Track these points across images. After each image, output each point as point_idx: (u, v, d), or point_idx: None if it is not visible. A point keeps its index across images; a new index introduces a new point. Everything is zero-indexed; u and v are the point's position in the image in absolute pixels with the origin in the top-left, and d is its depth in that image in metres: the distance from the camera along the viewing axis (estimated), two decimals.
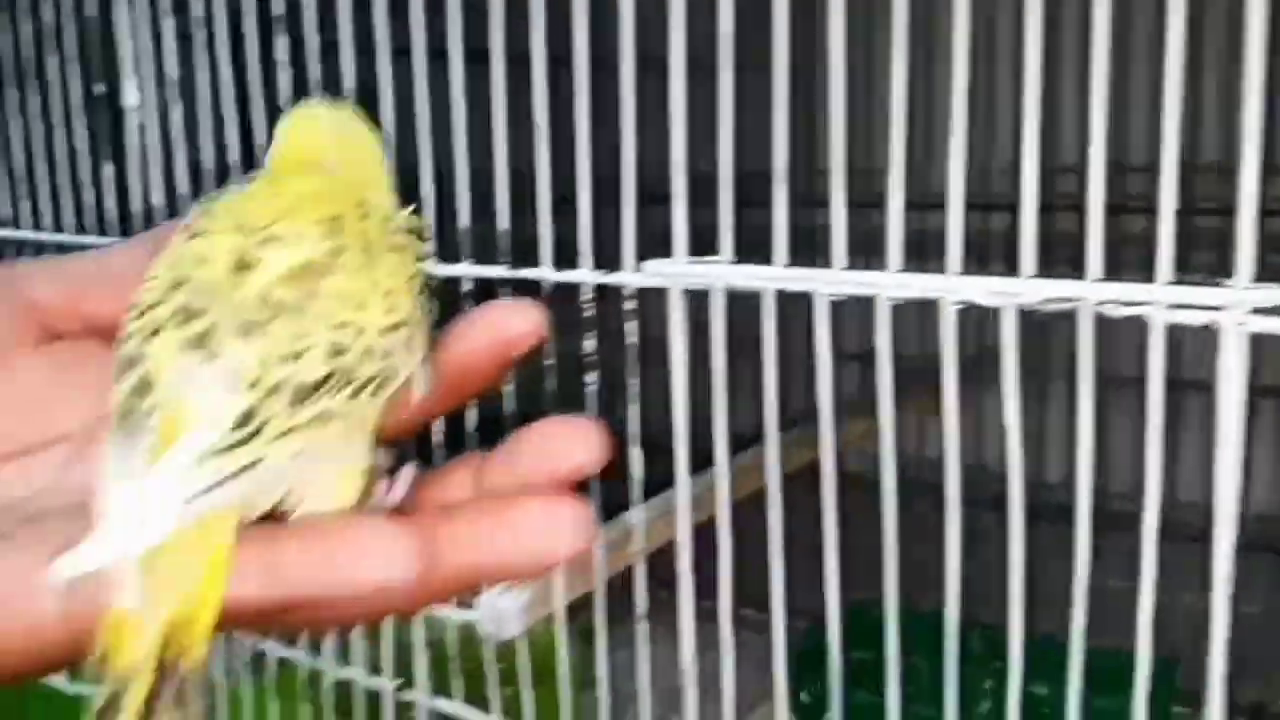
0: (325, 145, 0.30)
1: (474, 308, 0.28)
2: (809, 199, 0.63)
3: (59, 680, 0.77)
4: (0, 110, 0.70)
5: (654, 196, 0.51)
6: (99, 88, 0.66)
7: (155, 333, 0.25)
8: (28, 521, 0.26)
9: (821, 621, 0.66)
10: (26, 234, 0.70)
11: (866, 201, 0.54)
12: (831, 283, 0.46)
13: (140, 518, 0.23)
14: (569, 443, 0.26)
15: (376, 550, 0.23)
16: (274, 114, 0.60)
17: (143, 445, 0.24)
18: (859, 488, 0.52)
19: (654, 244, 0.53)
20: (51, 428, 0.28)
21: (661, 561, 0.59)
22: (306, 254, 0.25)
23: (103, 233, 0.68)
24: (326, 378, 0.24)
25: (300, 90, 0.59)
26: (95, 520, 0.23)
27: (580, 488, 0.26)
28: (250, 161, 0.61)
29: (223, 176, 0.63)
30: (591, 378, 0.55)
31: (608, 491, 0.57)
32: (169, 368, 0.24)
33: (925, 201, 0.53)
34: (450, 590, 0.25)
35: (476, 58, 0.54)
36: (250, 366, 0.24)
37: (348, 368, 0.25)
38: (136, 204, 0.65)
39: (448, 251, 0.57)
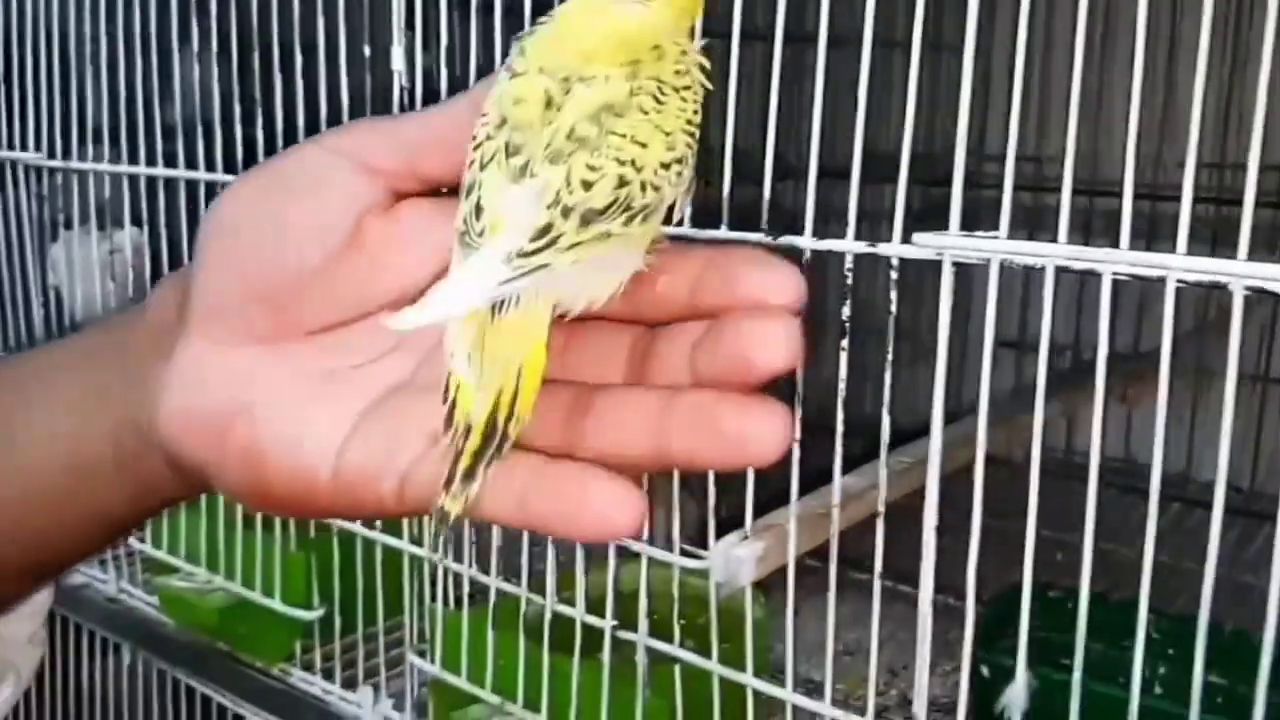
0: None
1: (739, 254, 0.30)
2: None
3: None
4: (265, 67, 0.75)
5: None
6: (366, 50, 0.71)
7: (485, 165, 0.30)
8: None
9: (995, 603, 0.69)
10: (222, 176, 0.75)
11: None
12: (1117, 261, 0.48)
13: (459, 294, 0.29)
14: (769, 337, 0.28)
15: (608, 505, 0.28)
16: None
17: (473, 257, 0.30)
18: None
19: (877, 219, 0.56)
20: (407, 283, 0.32)
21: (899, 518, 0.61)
22: (607, 96, 0.30)
23: None
24: (611, 204, 0.29)
25: None
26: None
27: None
28: None
29: None
30: (845, 344, 0.58)
31: (856, 447, 0.60)
32: (496, 194, 0.30)
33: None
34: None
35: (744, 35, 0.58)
36: (552, 190, 0.29)
37: (627, 197, 0.29)
38: None
39: (710, 218, 0.60)
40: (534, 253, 0.29)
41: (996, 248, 0.51)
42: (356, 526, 0.79)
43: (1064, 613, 0.61)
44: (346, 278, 0.33)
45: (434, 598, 0.76)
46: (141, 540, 0.91)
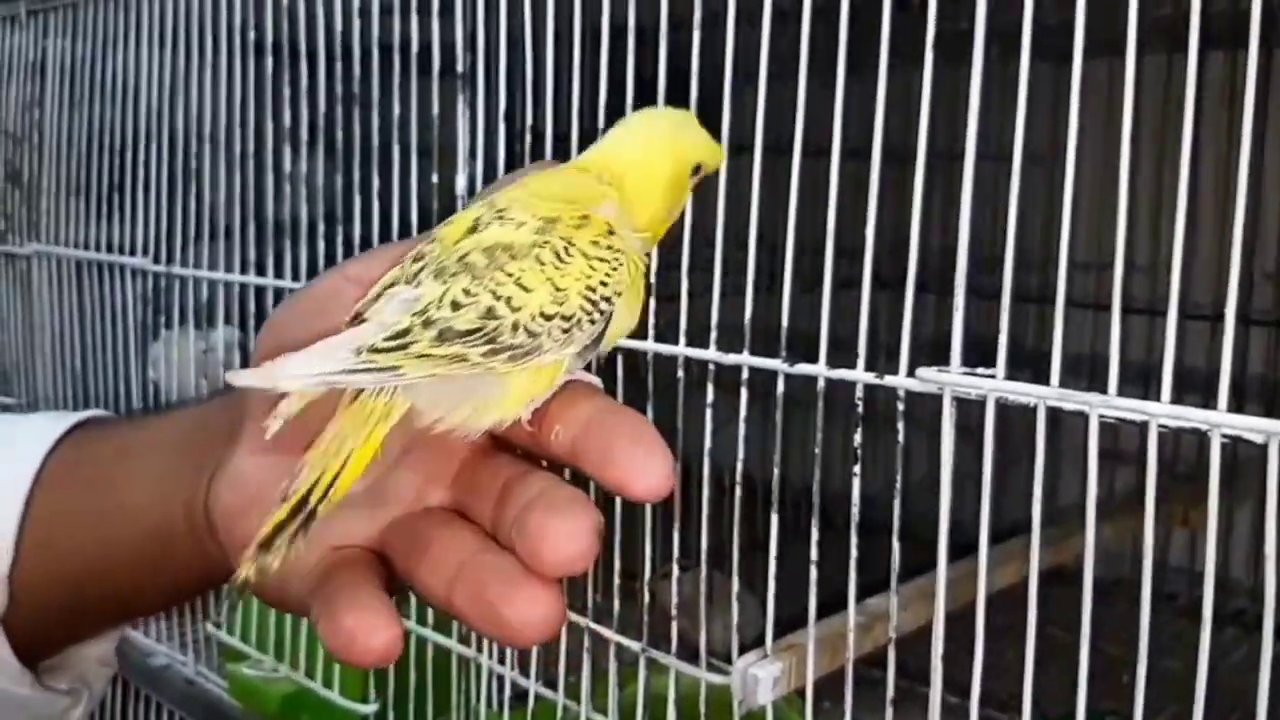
0: (622, 153, 0.36)
1: (622, 426, 0.31)
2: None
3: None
4: (347, 186, 0.80)
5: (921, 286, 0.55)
6: (434, 177, 0.75)
7: (403, 268, 0.33)
8: None
9: None
10: None
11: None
12: (1105, 406, 0.49)
13: (297, 370, 0.30)
14: (562, 540, 0.30)
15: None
16: None
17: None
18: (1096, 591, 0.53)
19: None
20: None
21: (912, 649, 0.61)
22: (509, 238, 0.32)
23: None
24: (473, 331, 0.31)
25: None
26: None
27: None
28: None
29: None
30: (857, 469, 0.58)
31: (865, 573, 0.61)
32: (388, 292, 0.32)
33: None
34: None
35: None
36: (423, 302, 0.31)
37: (494, 330, 0.31)
38: None
39: (730, 340, 0.62)
40: (384, 351, 0.31)
41: (993, 386, 0.52)
42: (411, 624, 0.82)
43: None
44: None
45: (478, 698, 0.78)
46: (218, 626, 0.95)
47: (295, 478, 0.31)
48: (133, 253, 0.97)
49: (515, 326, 0.31)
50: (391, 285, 0.33)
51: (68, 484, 0.44)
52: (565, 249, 0.33)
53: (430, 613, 0.81)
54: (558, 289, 0.32)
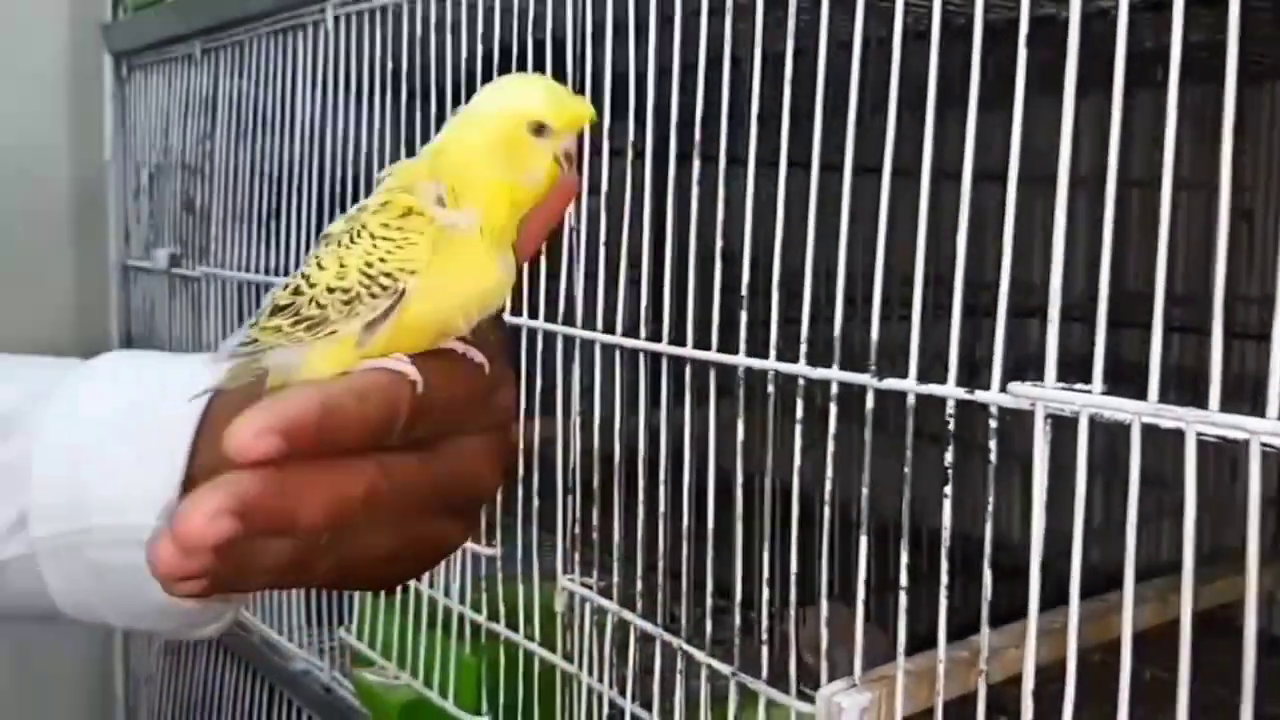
0: (450, 129, 0.39)
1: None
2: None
3: None
4: None
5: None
6: None
7: None
8: None
9: None
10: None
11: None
12: (1202, 423, 0.45)
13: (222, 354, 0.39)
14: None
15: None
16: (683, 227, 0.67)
17: None
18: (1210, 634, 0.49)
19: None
20: None
21: (1005, 690, 0.58)
22: (333, 227, 0.38)
23: (532, 315, 0.78)
24: (284, 306, 0.37)
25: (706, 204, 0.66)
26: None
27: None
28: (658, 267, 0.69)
29: (634, 276, 0.70)
30: (948, 490, 0.56)
31: (962, 608, 0.58)
32: None
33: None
34: None
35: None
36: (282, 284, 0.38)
37: (297, 305, 0.36)
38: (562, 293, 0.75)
39: (816, 354, 0.60)
40: (256, 326, 0.38)
41: (1088, 402, 0.49)
42: (519, 637, 0.83)
43: None
44: None
45: (579, 714, 0.78)
46: (348, 632, 0.98)
47: None
48: (287, 273, 1.02)
49: (310, 300, 0.36)
50: None
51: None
52: (357, 231, 0.37)
53: (538, 627, 0.82)
54: (341, 266, 0.36)
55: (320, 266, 0.36)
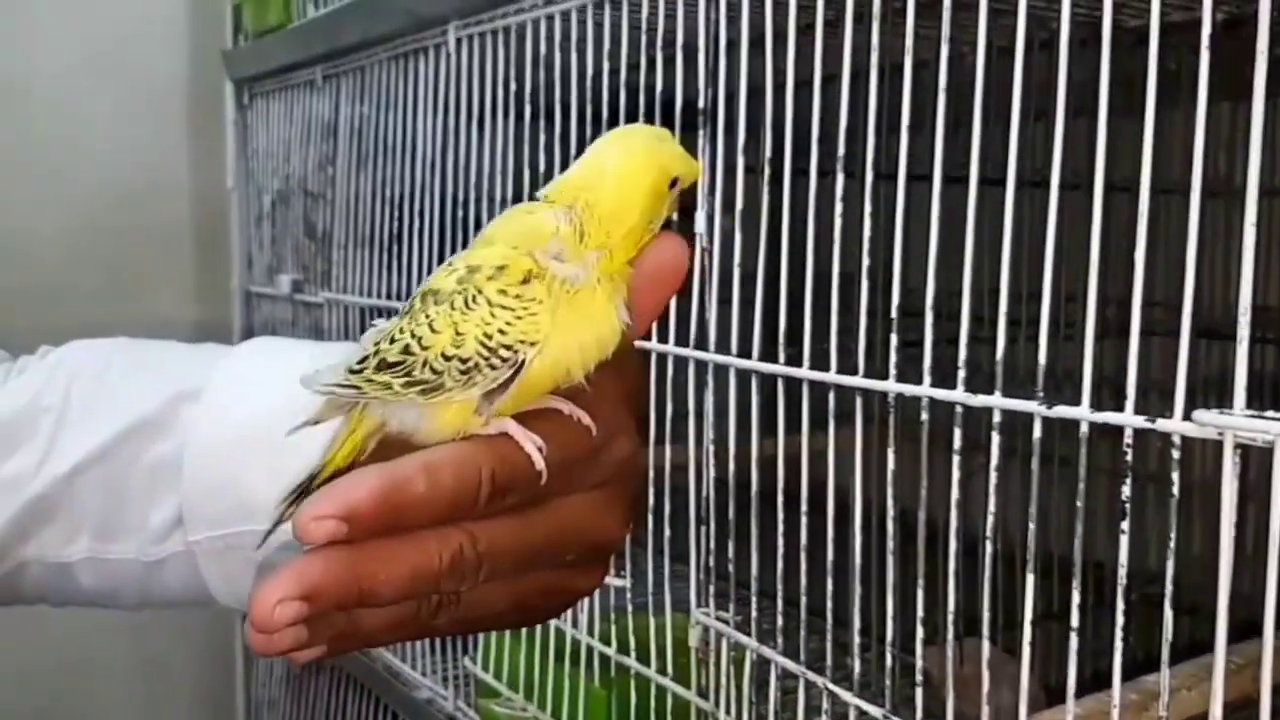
0: (598, 172, 0.38)
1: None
2: None
3: None
4: None
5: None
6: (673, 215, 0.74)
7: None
8: None
9: None
10: None
11: None
12: None
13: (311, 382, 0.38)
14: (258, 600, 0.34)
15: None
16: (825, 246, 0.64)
17: None
18: None
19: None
20: None
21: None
22: (438, 285, 0.37)
23: (662, 339, 0.75)
24: (396, 364, 0.36)
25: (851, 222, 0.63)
26: None
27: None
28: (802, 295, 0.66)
29: (771, 300, 0.68)
30: (1125, 525, 0.52)
31: (1139, 646, 0.54)
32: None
33: None
34: None
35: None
36: (383, 333, 0.37)
37: (408, 365, 0.36)
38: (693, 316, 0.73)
39: (978, 381, 0.57)
40: (355, 373, 0.37)
41: None
42: (651, 671, 0.81)
43: None
44: None
45: None
46: (474, 661, 0.97)
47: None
48: (409, 298, 1.02)
49: (424, 364, 0.35)
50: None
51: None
52: (473, 297, 0.36)
53: (670, 663, 0.79)
54: (458, 333, 0.35)
55: (433, 329, 0.36)
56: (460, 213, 0.96)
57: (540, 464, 0.36)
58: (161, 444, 0.47)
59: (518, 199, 0.88)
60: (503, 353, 0.35)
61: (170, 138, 1.40)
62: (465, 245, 0.96)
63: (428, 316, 0.36)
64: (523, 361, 0.36)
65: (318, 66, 1.14)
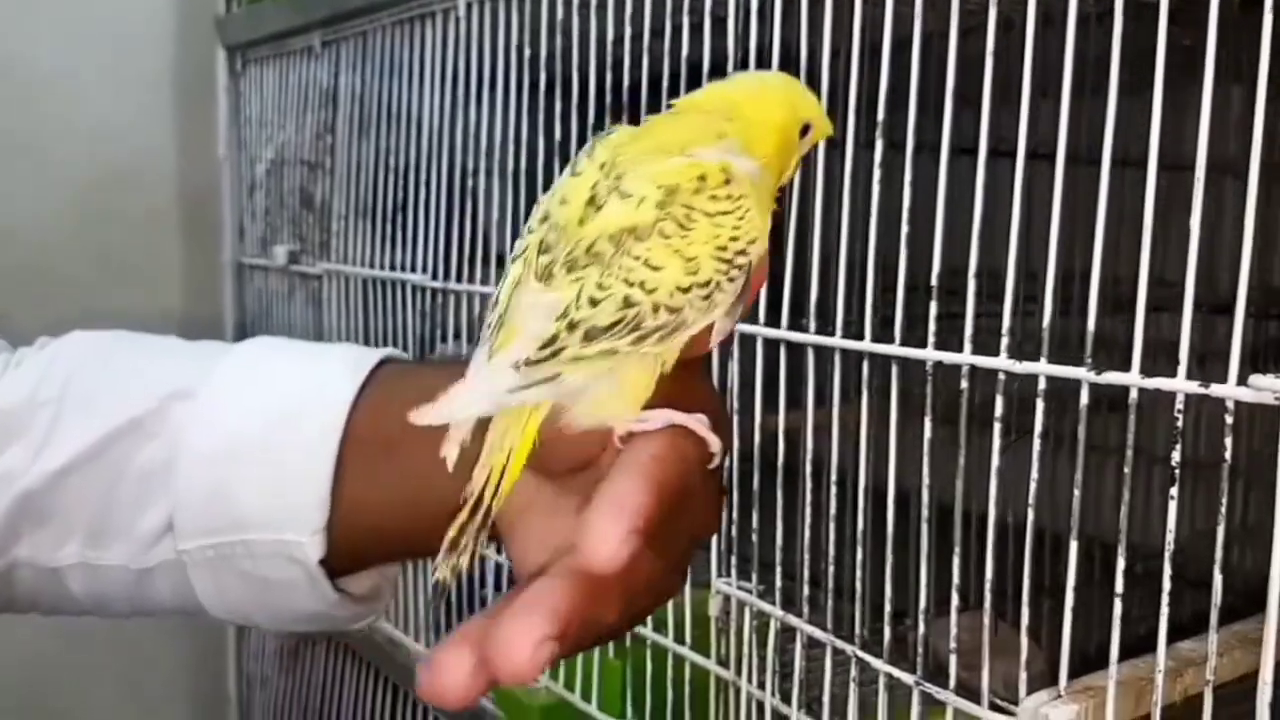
0: (737, 93, 0.35)
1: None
2: None
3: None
4: None
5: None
6: None
7: (517, 257, 0.33)
8: None
9: None
10: None
11: None
12: None
13: (470, 399, 0.31)
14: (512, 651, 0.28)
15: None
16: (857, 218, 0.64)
17: (483, 347, 0.32)
18: None
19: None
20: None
21: (1226, 704, 0.54)
22: (632, 220, 0.32)
23: None
24: (616, 323, 0.31)
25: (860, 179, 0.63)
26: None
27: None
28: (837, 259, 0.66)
29: (800, 270, 0.67)
30: (1174, 491, 0.52)
31: (1185, 608, 0.54)
32: (516, 292, 0.32)
33: None
34: None
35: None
36: (564, 303, 0.31)
37: (636, 317, 0.31)
38: None
39: (1026, 348, 0.57)
40: (540, 362, 0.31)
41: None
42: (668, 640, 0.80)
43: None
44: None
45: None
46: None
47: (473, 481, 0.32)
48: (413, 270, 1.01)
49: (656, 308, 0.31)
50: (517, 282, 0.33)
51: (375, 448, 0.44)
52: (687, 216, 0.32)
53: (689, 631, 0.79)
54: (688, 259, 0.32)
55: (652, 267, 0.31)
56: (470, 183, 0.95)
57: (716, 450, 0.33)
58: (153, 447, 0.46)
59: (530, 172, 0.88)
60: (738, 261, 0.32)
61: (159, 107, 1.37)
62: (473, 214, 0.95)
63: (638, 258, 0.31)
64: (750, 263, 0.33)
65: (316, 32, 1.12)
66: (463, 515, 0.32)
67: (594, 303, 0.31)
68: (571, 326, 0.31)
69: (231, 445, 0.45)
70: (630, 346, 0.31)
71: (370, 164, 1.07)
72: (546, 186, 0.87)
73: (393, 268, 1.04)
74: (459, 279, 0.97)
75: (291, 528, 0.44)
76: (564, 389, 0.32)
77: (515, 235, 0.89)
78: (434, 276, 0.99)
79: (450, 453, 0.32)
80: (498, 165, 0.91)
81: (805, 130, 0.36)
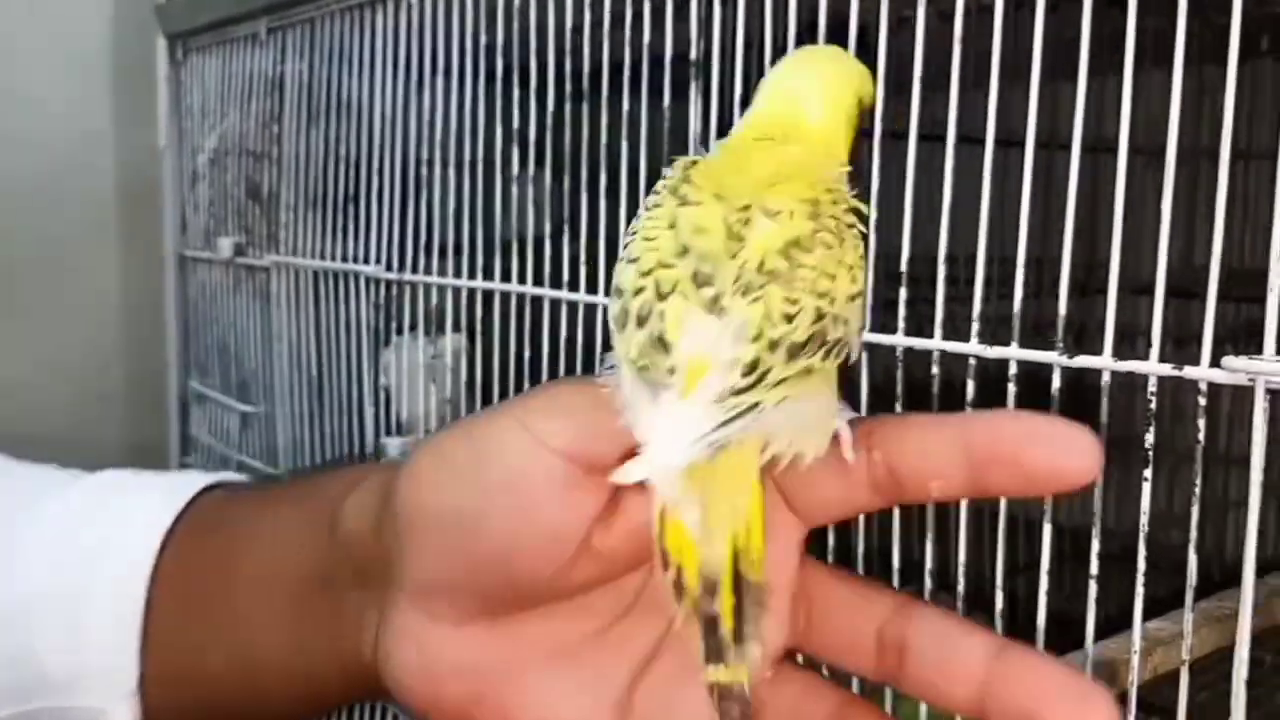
0: (803, 105, 0.33)
1: (1023, 415, 0.28)
2: None
3: None
4: (574, 187, 0.79)
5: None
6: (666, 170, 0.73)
7: (665, 294, 0.29)
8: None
9: None
10: (582, 296, 0.79)
11: None
12: None
13: (677, 441, 0.28)
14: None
15: None
16: None
17: (669, 391, 0.28)
18: None
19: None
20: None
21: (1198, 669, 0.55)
22: (793, 231, 0.30)
23: None
24: (811, 338, 0.29)
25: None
26: (641, 443, 0.28)
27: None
28: None
29: None
30: (1147, 474, 0.53)
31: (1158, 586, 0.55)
32: (687, 327, 0.29)
33: None
34: None
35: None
36: (754, 324, 0.28)
37: (822, 330, 0.29)
38: None
39: (998, 333, 0.57)
40: (746, 389, 0.28)
41: None
42: None
43: None
44: (579, 573, 0.31)
45: None
46: None
47: (673, 568, 0.28)
48: (366, 261, 0.99)
49: (835, 319, 0.29)
50: (677, 320, 0.29)
51: (195, 589, 0.39)
52: (838, 227, 0.30)
53: None
54: (850, 268, 0.30)
55: (830, 276, 0.29)
56: (424, 172, 0.93)
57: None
58: None
59: (488, 160, 0.86)
60: (866, 271, 0.31)
61: (96, 97, 1.33)
62: (429, 203, 0.93)
63: (813, 268, 0.29)
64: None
65: (261, 20, 1.09)
66: (727, 600, 0.28)
67: (789, 318, 0.29)
68: (772, 345, 0.28)
69: (42, 601, 0.40)
70: (820, 363, 0.29)
71: (320, 153, 1.05)
72: (505, 174, 0.87)
73: (344, 259, 1.03)
74: (414, 269, 0.95)
75: (98, 690, 0.39)
76: (765, 421, 0.29)
77: (472, 223, 0.89)
78: (388, 267, 0.97)
79: (654, 518, 0.29)
80: (453, 154, 0.90)
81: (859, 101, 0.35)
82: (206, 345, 1.27)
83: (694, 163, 0.32)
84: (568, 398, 0.31)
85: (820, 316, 0.29)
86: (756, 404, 0.28)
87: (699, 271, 0.29)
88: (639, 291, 0.29)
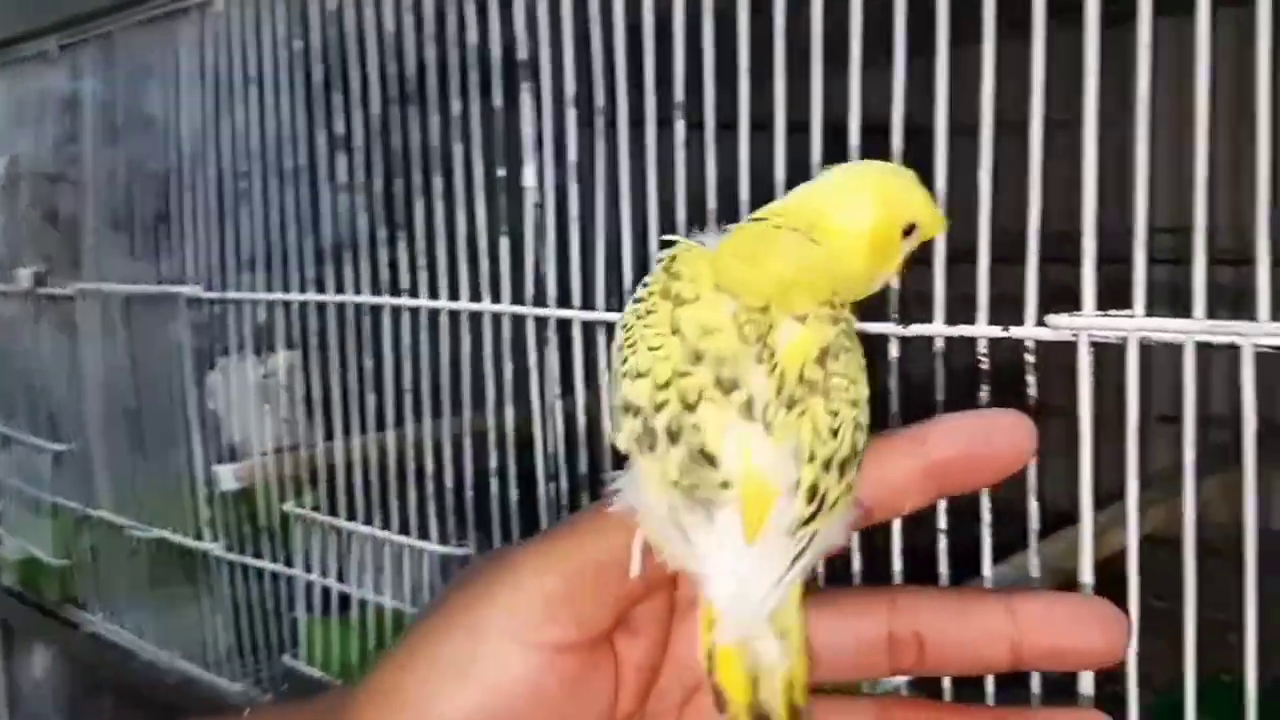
0: (821, 206, 0.30)
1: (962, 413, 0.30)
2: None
3: None
4: (407, 191, 0.78)
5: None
6: (500, 171, 0.73)
7: (692, 405, 0.27)
8: None
9: (1169, 690, 0.64)
10: (423, 302, 0.78)
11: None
12: (1262, 335, 0.46)
13: (757, 584, 0.27)
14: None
15: None
16: (666, 196, 0.65)
17: (725, 516, 0.27)
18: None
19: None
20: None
21: None
22: (823, 338, 0.27)
23: (495, 299, 0.74)
24: (853, 452, 0.27)
25: (694, 173, 0.64)
26: (710, 590, 0.27)
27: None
28: (641, 239, 0.66)
29: (613, 251, 0.68)
30: None
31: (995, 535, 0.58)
32: (730, 436, 0.27)
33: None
34: None
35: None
36: (806, 442, 0.27)
37: (859, 442, 0.28)
38: (529, 273, 0.72)
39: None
40: (810, 519, 0.27)
41: (1133, 326, 0.50)
42: None
43: (1240, 699, 0.57)
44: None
45: None
46: (295, 657, 0.92)
47: (732, 705, 0.27)
48: (183, 281, 0.95)
49: (857, 426, 0.28)
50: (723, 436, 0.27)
51: None
52: (844, 347, 0.28)
53: None
54: (863, 369, 0.29)
55: (855, 383, 0.28)
56: (242, 185, 0.90)
57: None
58: None
59: (312, 167, 0.84)
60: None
61: None
62: (249, 215, 0.90)
63: (843, 376, 0.28)
64: None
65: (51, 36, 1.04)
66: None
67: (834, 432, 0.27)
68: (827, 466, 0.27)
69: None
70: (855, 476, 0.28)
71: (123, 173, 1.00)
72: (331, 181, 0.84)
73: (159, 281, 0.98)
74: (237, 287, 0.92)
75: None
76: (822, 544, 0.27)
77: (299, 233, 0.86)
78: (207, 286, 0.93)
79: (702, 655, 0.28)
80: (273, 165, 0.87)
81: (909, 230, 0.30)
82: (8, 383, 1.19)
83: (674, 257, 0.29)
84: (548, 594, 0.28)
85: (858, 427, 0.28)
86: (817, 532, 0.27)
87: (721, 377, 0.27)
88: (661, 406, 0.27)
